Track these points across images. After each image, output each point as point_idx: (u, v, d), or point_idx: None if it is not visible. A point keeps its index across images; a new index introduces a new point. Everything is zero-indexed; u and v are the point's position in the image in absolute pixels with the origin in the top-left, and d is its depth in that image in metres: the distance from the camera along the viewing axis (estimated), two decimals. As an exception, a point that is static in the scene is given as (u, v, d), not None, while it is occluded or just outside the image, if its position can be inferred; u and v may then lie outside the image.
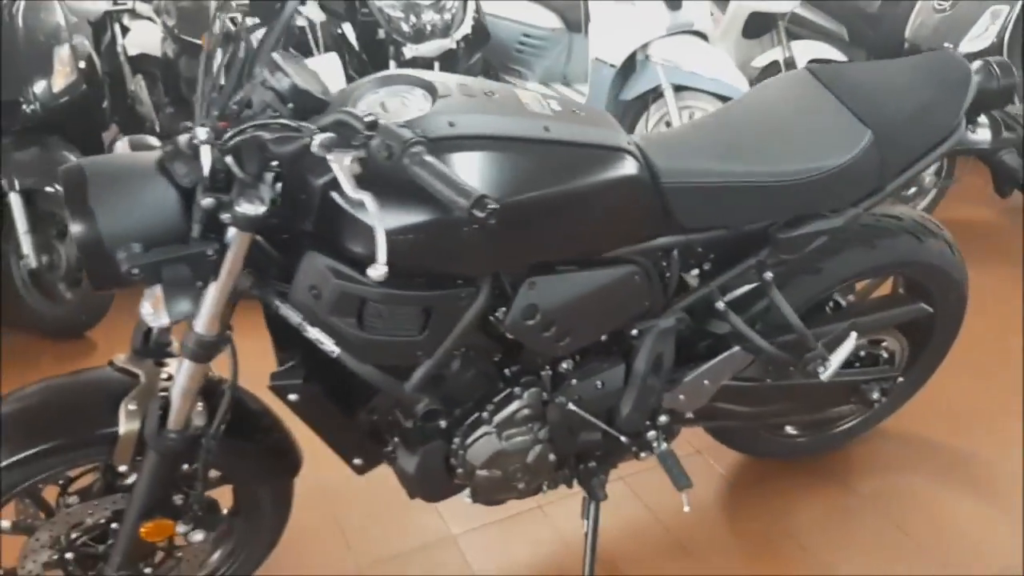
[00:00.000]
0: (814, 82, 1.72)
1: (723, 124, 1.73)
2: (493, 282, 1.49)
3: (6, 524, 1.63)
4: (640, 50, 3.68)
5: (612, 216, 1.53)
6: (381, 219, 1.16)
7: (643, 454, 1.88)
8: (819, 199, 1.65)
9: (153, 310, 1.27)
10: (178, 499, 1.62)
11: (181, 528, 1.64)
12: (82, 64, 3.05)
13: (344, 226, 1.33)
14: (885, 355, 2.09)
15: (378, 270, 1.16)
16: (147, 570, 1.73)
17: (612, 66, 3.71)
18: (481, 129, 1.38)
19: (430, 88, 1.43)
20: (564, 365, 1.70)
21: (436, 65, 3.77)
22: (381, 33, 3.58)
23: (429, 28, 3.58)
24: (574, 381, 1.70)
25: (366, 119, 1.19)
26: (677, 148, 1.64)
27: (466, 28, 3.66)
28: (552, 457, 1.75)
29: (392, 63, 3.63)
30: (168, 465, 1.53)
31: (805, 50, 3.95)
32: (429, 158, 1.15)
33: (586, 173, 1.46)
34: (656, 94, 3.67)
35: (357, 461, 1.67)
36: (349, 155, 1.18)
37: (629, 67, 3.75)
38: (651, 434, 1.84)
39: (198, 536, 1.68)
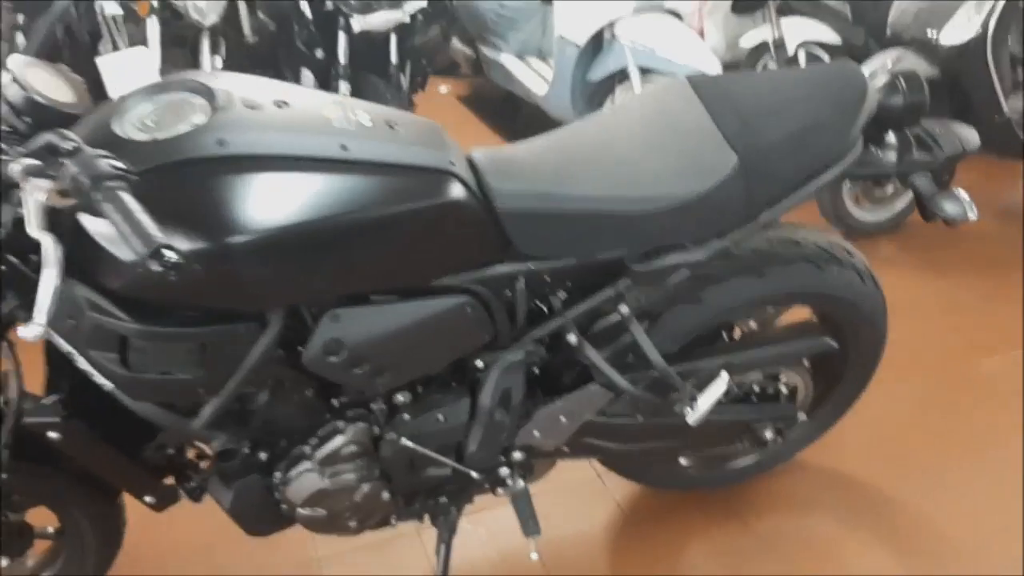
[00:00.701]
0: (690, 95, 1.52)
1: (578, 142, 1.54)
2: (291, 314, 1.35)
3: None
4: (607, 28, 3.47)
5: (430, 243, 1.36)
6: (56, 268, 1.01)
7: (500, 490, 1.73)
8: (675, 230, 1.46)
9: None
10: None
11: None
12: None
13: (97, 255, 1.19)
14: (784, 391, 1.91)
15: (32, 330, 1.02)
16: None
17: (576, 45, 3.50)
18: (258, 148, 1.22)
19: (210, 97, 1.26)
20: (399, 397, 1.55)
21: (392, 38, 3.60)
22: (329, 3, 3.40)
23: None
24: (408, 416, 1.55)
25: (67, 145, 1.03)
26: (520, 168, 1.46)
27: (420, 1, 3.46)
28: (386, 495, 1.61)
29: (341, 35, 3.46)
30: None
31: (797, 29, 3.67)
32: (124, 195, 1.00)
33: (392, 197, 1.30)
34: (623, 76, 3.46)
35: (149, 499, 1.54)
36: (45, 185, 1.03)
37: (597, 45, 3.54)
38: (504, 471, 1.69)
39: (2, 562, 1.58)
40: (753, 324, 1.88)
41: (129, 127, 1.22)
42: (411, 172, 1.31)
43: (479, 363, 1.55)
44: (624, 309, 1.56)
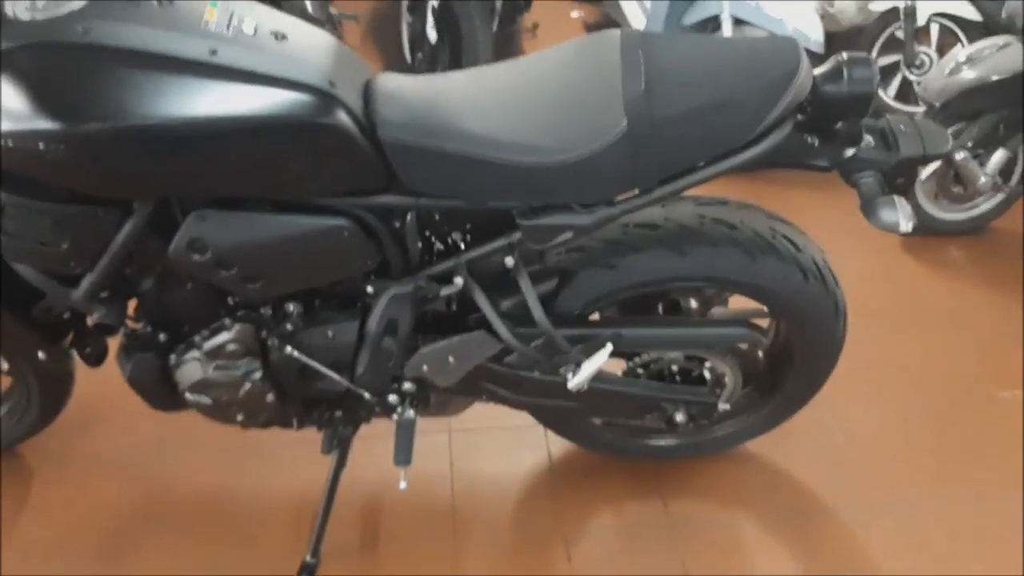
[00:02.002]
0: (615, 50, 1.42)
1: (486, 82, 1.49)
2: (163, 207, 1.41)
3: None
4: (708, -28, 3.28)
5: (299, 161, 1.36)
6: None
7: (394, 416, 1.76)
8: (558, 189, 1.40)
9: None
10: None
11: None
12: None
13: None
14: (708, 377, 1.82)
15: None
16: None
17: (671, -15, 3.34)
18: (120, 41, 1.26)
19: None
20: (290, 307, 1.60)
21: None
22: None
23: None
24: (294, 326, 1.60)
25: None
26: (416, 99, 1.44)
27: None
28: (271, 398, 1.67)
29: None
30: None
31: (935, -2, 3.37)
32: None
33: (256, 108, 1.30)
34: (716, 24, 3.28)
35: (41, 355, 1.67)
36: None
37: (696, -12, 3.37)
38: (392, 398, 1.71)
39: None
40: (693, 303, 1.79)
41: (20, 8, 1.28)
42: (280, 85, 1.31)
43: (369, 289, 1.57)
44: (509, 261, 1.52)
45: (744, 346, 1.87)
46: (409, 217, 1.49)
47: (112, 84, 1.25)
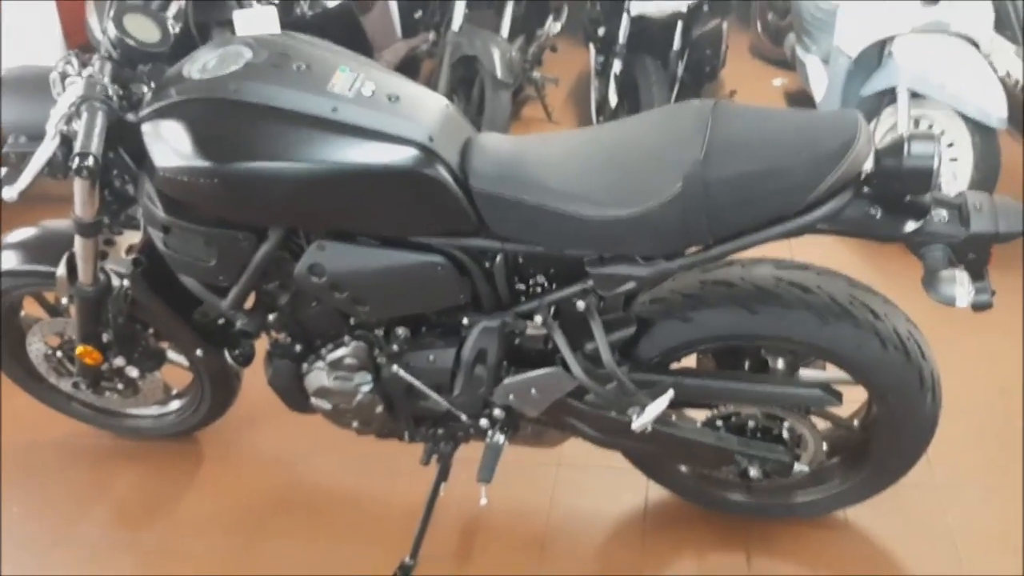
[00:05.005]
0: (689, 118, 1.56)
1: (574, 142, 1.66)
2: (289, 235, 1.70)
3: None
4: (888, 44, 3.26)
5: (401, 204, 1.60)
6: (45, 151, 1.47)
7: (488, 438, 1.93)
8: (619, 242, 1.55)
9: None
10: (105, 336, 2.08)
11: (118, 361, 2.13)
12: None
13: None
14: (785, 436, 1.85)
15: (7, 191, 1.47)
16: (110, 392, 2.25)
17: (848, 56, 3.34)
18: (261, 99, 1.56)
19: (254, 52, 1.63)
20: (399, 331, 1.83)
21: (678, 26, 3.73)
22: (615, -15, 3.62)
23: None
24: (401, 347, 1.83)
25: (85, 72, 1.52)
26: (507, 155, 1.64)
27: (701, -8, 3.53)
28: (380, 409, 1.91)
29: (624, 17, 3.66)
30: (85, 308, 1.99)
31: None
32: (97, 113, 1.47)
33: (365, 158, 1.56)
34: (893, 97, 3.25)
35: (199, 353, 2.01)
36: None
37: (874, 60, 3.35)
38: (484, 422, 1.90)
39: (133, 372, 2.16)
40: (780, 362, 1.84)
41: (194, 68, 1.63)
42: (387, 140, 1.56)
43: (465, 320, 1.78)
44: (581, 305, 1.67)
45: (832, 411, 1.89)
46: (498, 259, 1.69)
47: (253, 133, 1.55)
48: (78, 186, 1.73)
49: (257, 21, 1.80)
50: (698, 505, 2.12)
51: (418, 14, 4.24)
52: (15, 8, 3.57)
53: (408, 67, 4.31)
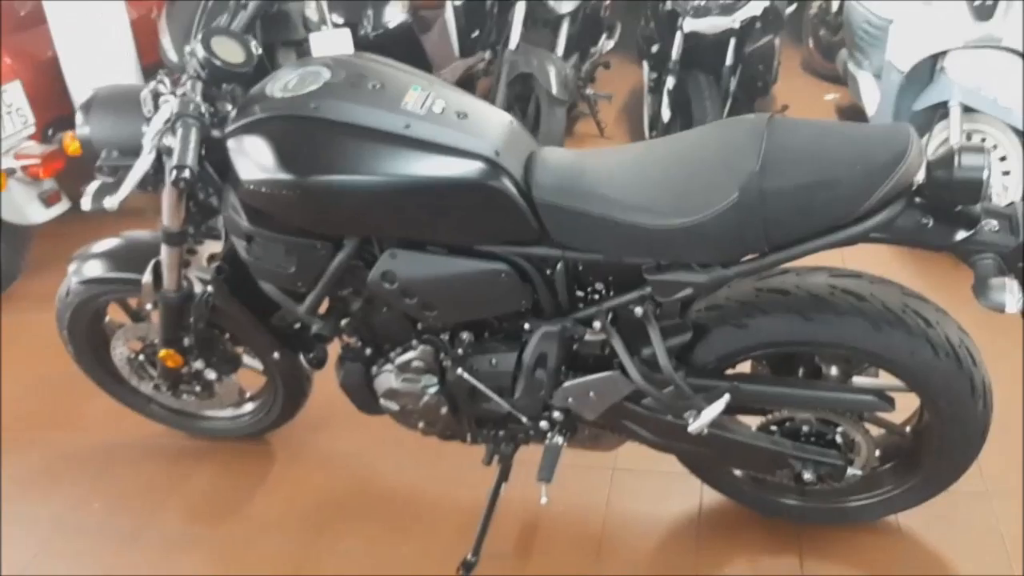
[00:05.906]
0: (745, 131, 1.63)
1: (633, 155, 1.73)
2: (364, 245, 1.80)
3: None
4: (940, 58, 3.29)
5: (468, 215, 1.70)
6: (143, 164, 1.59)
7: (547, 440, 2.01)
8: (677, 250, 1.62)
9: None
10: (186, 340, 2.20)
11: (197, 364, 2.25)
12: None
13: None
14: (838, 441, 1.89)
15: (108, 201, 1.59)
16: (188, 395, 2.37)
17: (900, 71, 3.37)
18: (338, 116, 1.67)
19: (332, 72, 1.74)
20: (464, 336, 1.93)
21: (731, 43, 3.79)
22: (668, 4, 3.69)
23: (714, 5, 3.59)
24: (465, 351, 1.92)
25: (179, 91, 1.65)
26: (568, 168, 1.72)
27: (753, 10, 3.59)
28: (444, 411, 2.00)
29: (678, 34, 3.74)
30: (168, 313, 2.12)
31: None
32: (191, 130, 1.59)
33: (433, 170, 1.66)
34: (946, 111, 3.27)
35: (276, 356, 2.12)
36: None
37: (926, 75, 3.37)
38: (544, 424, 1.97)
39: (211, 375, 2.28)
40: (834, 370, 1.89)
41: (276, 87, 1.74)
42: (455, 154, 1.65)
43: (526, 326, 1.86)
44: (639, 311, 1.74)
45: (885, 417, 1.93)
46: (559, 267, 1.77)
47: (332, 148, 1.66)
48: (167, 198, 1.86)
49: (332, 43, 1.93)
50: (751, 509, 2.17)
51: (475, 34, 4.36)
52: (91, 30, 3.76)
53: (465, 85, 4.43)
